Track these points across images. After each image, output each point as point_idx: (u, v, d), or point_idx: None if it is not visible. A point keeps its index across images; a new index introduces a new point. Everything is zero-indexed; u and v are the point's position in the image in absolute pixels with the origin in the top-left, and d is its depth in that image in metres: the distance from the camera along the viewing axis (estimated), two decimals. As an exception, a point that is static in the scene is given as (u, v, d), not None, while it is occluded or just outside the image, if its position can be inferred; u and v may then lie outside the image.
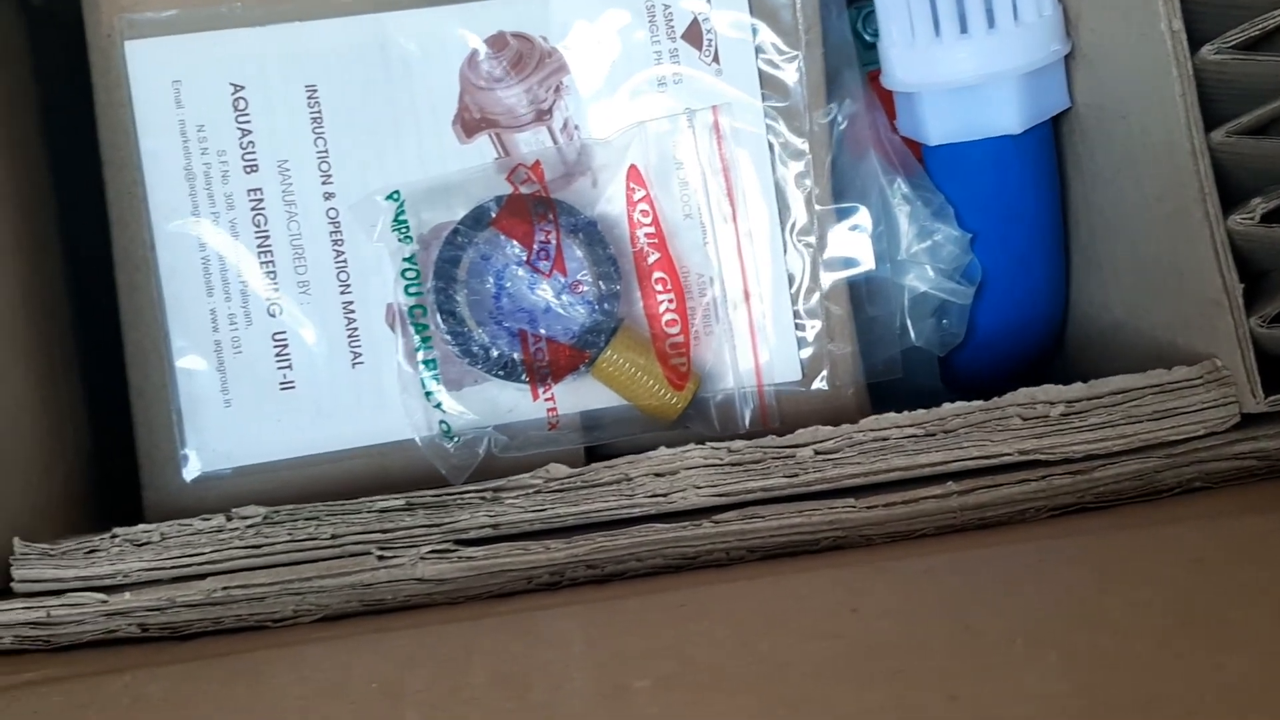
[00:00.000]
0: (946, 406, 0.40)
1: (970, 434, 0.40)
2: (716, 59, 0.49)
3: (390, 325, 0.48)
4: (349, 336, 0.48)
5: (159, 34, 0.47)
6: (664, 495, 0.40)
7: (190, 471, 0.47)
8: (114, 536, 0.39)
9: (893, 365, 0.51)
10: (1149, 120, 0.43)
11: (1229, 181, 0.41)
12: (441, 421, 0.47)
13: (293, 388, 0.48)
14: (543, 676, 0.29)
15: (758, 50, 0.49)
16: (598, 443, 0.49)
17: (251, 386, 0.48)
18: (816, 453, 0.40)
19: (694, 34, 0.49)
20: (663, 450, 0.40)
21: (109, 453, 0.49)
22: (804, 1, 0.49)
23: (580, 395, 0.49)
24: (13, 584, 0.39)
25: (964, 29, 0.46)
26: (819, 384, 0.50)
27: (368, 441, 0.48)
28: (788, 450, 0.40)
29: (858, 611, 0.32)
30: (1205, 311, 0.41)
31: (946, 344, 0.51)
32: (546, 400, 0.48)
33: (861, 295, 0.51)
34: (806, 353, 0.49)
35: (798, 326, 0.49)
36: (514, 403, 0.48)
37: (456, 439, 0.47)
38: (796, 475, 0.40)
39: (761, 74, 0.49)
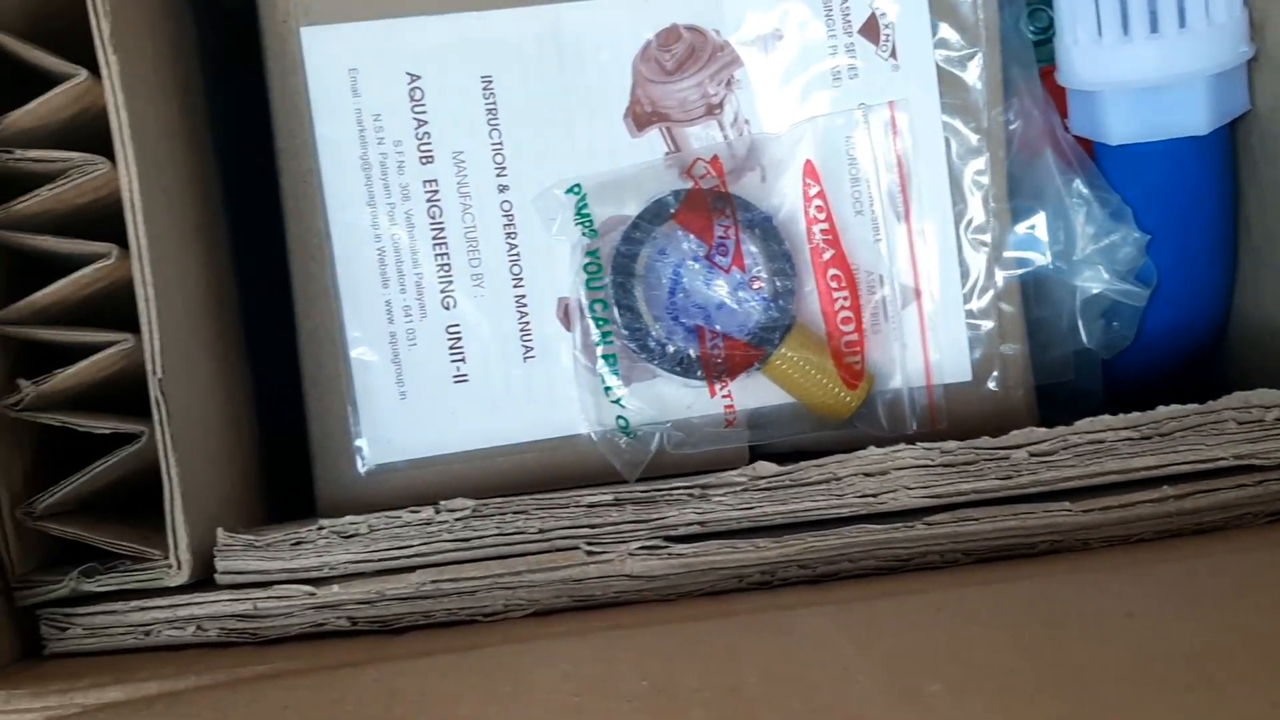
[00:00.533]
0: (1161, 410, 0.40)
1: (1185, 437, 0.40)
2: (894, 54, 0.48)
3: (561, 320, 0.48)
4: (521, 330, 0.48)
5: (336, 20, 0.47)
6: (874, 496, 0.39)
7: (365, 463, 0.47)
8: (320, 528, 0.39)
9: (1064, 367, 0.51)
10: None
11: None
12: (619, 417, 0.47)
13: (466, 381, 0.47)
14: (822, 677, 0.29)
15: (936, 46, 0.48)
16: (767, 440, 0.49)
17: (426, 379, 0.47)
18: (1031, 455, 0.39)
19: (871, 28, 0.48)
20: (872, 450, 0.40)
21: (273, 444, 0.49)
22: (985, -2, 0.48)
23: (749, 393, 0.48)
24: (216, 576, 0.39)
25: (1154, 28, 0.46)
26: (990, 385, 0.49)
27: (539, 436, 0.48)
28: (1002, 452, 0.39)
29: (1134, 616, 0.31)
30: None
31: (1115, 346, 0.51)
32: (724, 397, 0.47)
33: (1029, 296, 0.50)
34: (978, 353, 0.49)
35: (969, 326, 0.49)
36: (691, 399, 0.47)
37: (633, 434, 0.47)
38: (1010, 478, 0.39)
39: (939, 70, 0.48)
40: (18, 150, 0.38)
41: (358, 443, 0.47)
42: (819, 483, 0.39)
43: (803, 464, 0.40)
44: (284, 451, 0.49)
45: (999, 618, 0.32)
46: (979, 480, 0.39)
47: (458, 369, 0.47)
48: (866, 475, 0.40)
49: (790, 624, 0.32)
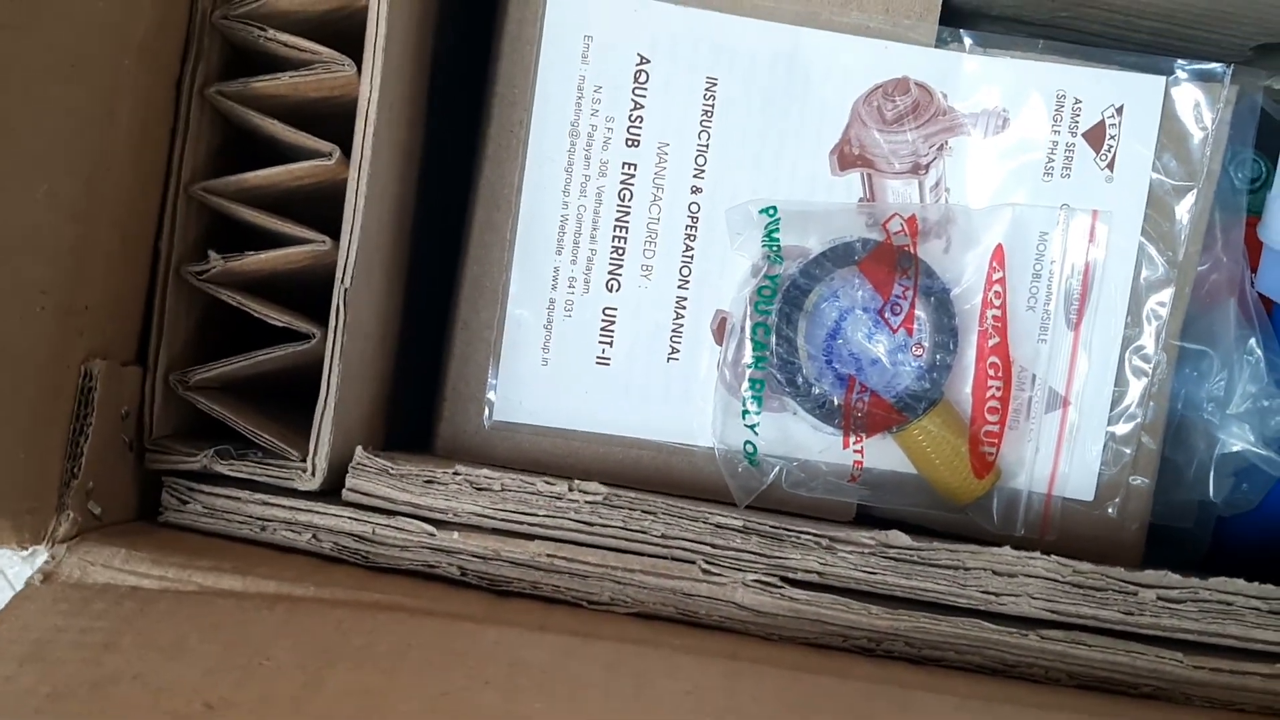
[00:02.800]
0: (1296, 589, 0.40)
1: (1315, 623, 0.39)
2: (1111, 165, 0.48)
3: (715, 334, 0.48)
4: (673, 331, 0.48)
5: (585, -16, 0.47)
6: (996, 595, 0.39)
7: (491, 417, 0.47)
8: (455, 473, 0.39)
9: (1185, 513, 0.50)
10: None
11: None
12: (748, 442, 0.47)
13: (608, 365, 0.48)
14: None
15: (1155, 169, 0.48)
16: (880, 504, 0.49)
17: (571, 352, 0.47)
18: (1159, 598, 0.39)
19: (1096, 135, 0.48)
20: (1007, 550, 0.40)
21: (402, 381, 0.49)
22: (1215, 136, 0.48)
23: (879, 452, 0.48)
24: (344, 491, 0.39)
25: (1377, 212, 0.45)
26: (1109, 510, 0.49)
27: (662, 437, 0.48)
28: (1131, 587, 0.39)
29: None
30: None
31: (1237, 507, 0.51)
32: (855, 451, 0.47)
33: (1169, 435, 0.50)
34: (1106, 476, 0.49)
35: (1106, 448, 0.49)
36: (824, 445, 0.47)
37: (755, 461, 0.47)
38: (1133, 614, 0.39)
39: (1151, 194, 0.48)
40: (271, 30, 0.38)
41: (490, 395, 0.47)
42: (946, 567, 0.39)
43: (935, 544, 0.40)
44: (405, 386, 0.49)
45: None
46: (1101, 608, 0.39)
47: (603, 351, 0.47)
48: (995, 573, 0.39)
49: (909, 702, 0.32)
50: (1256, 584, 0.40)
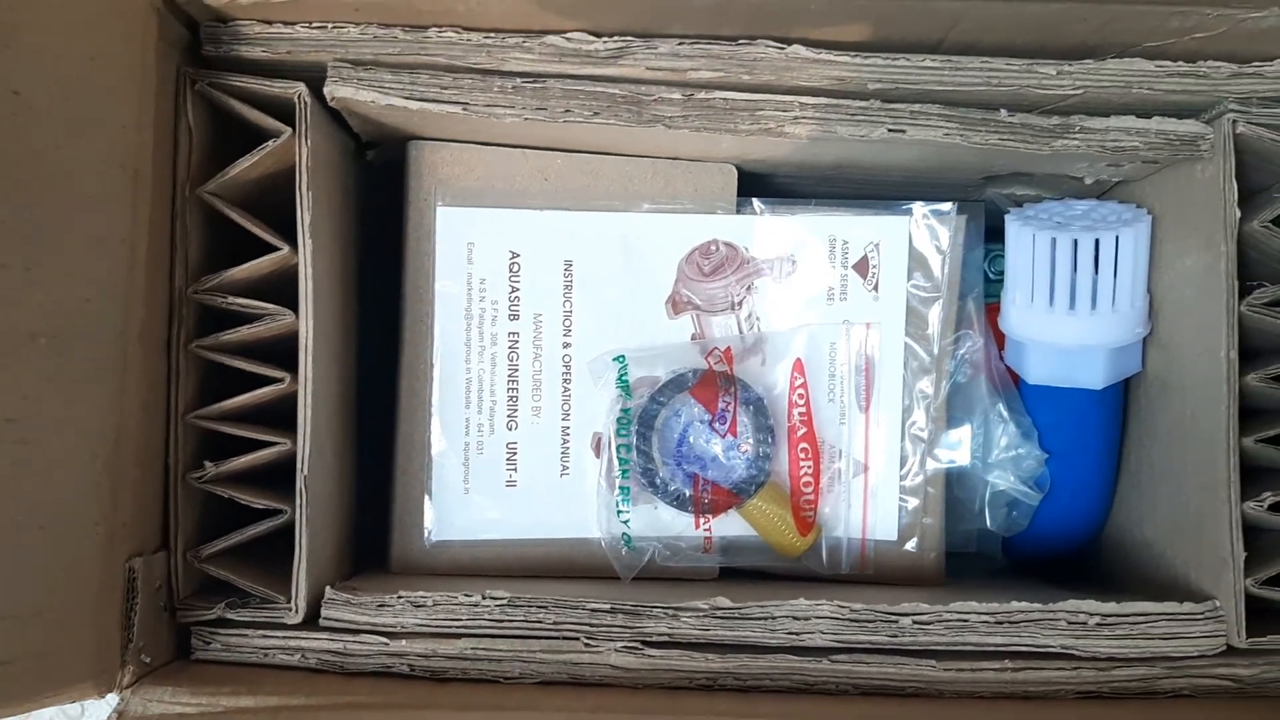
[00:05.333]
0: (1014, 605, 0.55)
1: (1028, 627, 0.55)
2: (876, 288, 0.64)
3: (593, 450, 0.64)
4: (562, 453, 0.64)
5: (463, 205, 0.63)
6: (797, 634, 0.55)
7: (431, 538, 0.63)
8: (399, 596, 0.55)
9: (968, 539, 0.66)
10: (1199, 409, 0.58)
11: (1246, 468, 0.56)
12: (624, 533, 0.63)
13: (515, 486, 0.63)
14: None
15: (909, 287, 0.64)
16: (734, 564, 0.65)
17: (487, 480, 0.63)
18: (914, 622, 0.55)
19: (862, 266, 0.64)
20: (802, 601, 0.55)
21: (359, 515, 0.65)
22: (950, 257, 0.64)
23: (725, 525, 0.64)
24: (321, 619, 0.55)
25: (1072, 307, 0.61)
26: (909, 546, 0.65)
27: (564, 535, 0.64)
28: (893, 617, 0.55)
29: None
30: (1215, 564, 0.56)
31: (1012, 530, 0.66)
32: (705, 529, 0.63)
33: (952, 481, 0.66)
34: (904, 520, 0.65)
35: (901, 499, 0.65)
36: (681, 527, 0.63)
37: (632, 545, 0.63)
38: (896, 636, 0.55)
39: (908, 305, 0.64)
40: (229, 296, 0.54)
41: (427, 522, 0.63)
42: (760, 619, 0.55)
43: (749, 603, 0.55)
44: (367, 516, 0.65)
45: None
46: (874, 634, 0.55)
47: (510, 475, 0.63)
48: (795, 618, 0.55)
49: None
50: (985, 604, 0.55)
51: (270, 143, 0.53)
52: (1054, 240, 0.60)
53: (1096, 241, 0.60)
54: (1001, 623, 0.54)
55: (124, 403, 0.48)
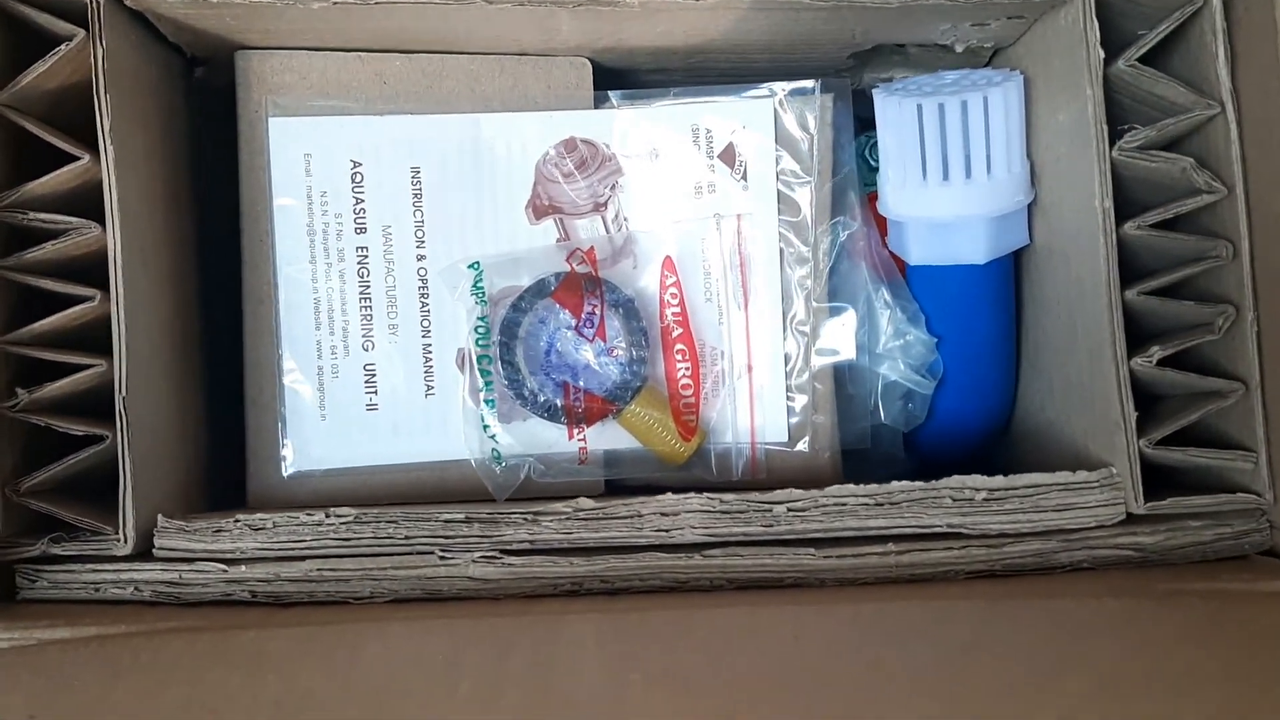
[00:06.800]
0: (894, 484, 0.52)
1: (911, 507, 0.52)
2: (745, 177, 0.60)
3: (459, 366, 0.60)
4: (425, 372, 0.60)
5: (297, 114, 0.59)
6: (666, 531, 0.51)
7: (288, 469, 0.59)
8: (236, 520, 0.51)
9: (863, 436, 0.63)
10: (1083, 271, 0.55)
11: (1138, 327, 0.53)
12: (494, 449, 0.59)
13: (376, 409, 0.60)
14: (567, 664, 0.41)
15: (778, 174, 0.60)
16: (616, 477, 0.61)
17: (344, 405, 0.59)
18: (789, 510, 0.51)
19: (728, 155, 0.60)
20: (669, 495, 0.52)
21: (215, 450, 0.61)
22: (819, 138, 0.60)
23: (606, 438, 0.61)
24: (154, 550, 0.51)
25: (945, 177, 0.58)
26: (801, 446, 0.61)
27: (432, 458, 0.60)
28: (766, 505, 0.51)
29: (799, 639, 0.43)
30: (1108, 429, 0.53)
31: (910, 423, 0.63)
32: (580, 440, 0.60)
33: (844, 377, 0.63)
34: (794, 420, 0.61)
35: (789, 398, 0.61)
36: (554, 439, 0.60)
37: (504, 463, 0.59)
38: (772, 526, 0.51)
39: (780, 193, 0.60)
40: (30, 213, 0.50)
41: (284, 452, 0.59)
42: (625, 517, 0.52)
43: (613, 501, 0.52)
44: (226, 458, 0.61)
45: (708, 634, 0.44)
46: (747, 526, 0.51)
47: (370, 399, 0.60)
48: (663, 514, 0.52)
49: (560, 626, 0.44)
50: (862, 485, 0.52)
51: (63, 46, 0.49)
52: (919, 107, 0.57)
53: (964, 105, 0.56)
54: (882, 504, 0.51)
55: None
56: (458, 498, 0.59)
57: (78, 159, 0.50)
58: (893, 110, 0.58)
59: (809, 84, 0.60)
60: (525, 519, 0.51)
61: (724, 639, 0.43)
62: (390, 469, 0.59)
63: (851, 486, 0.51)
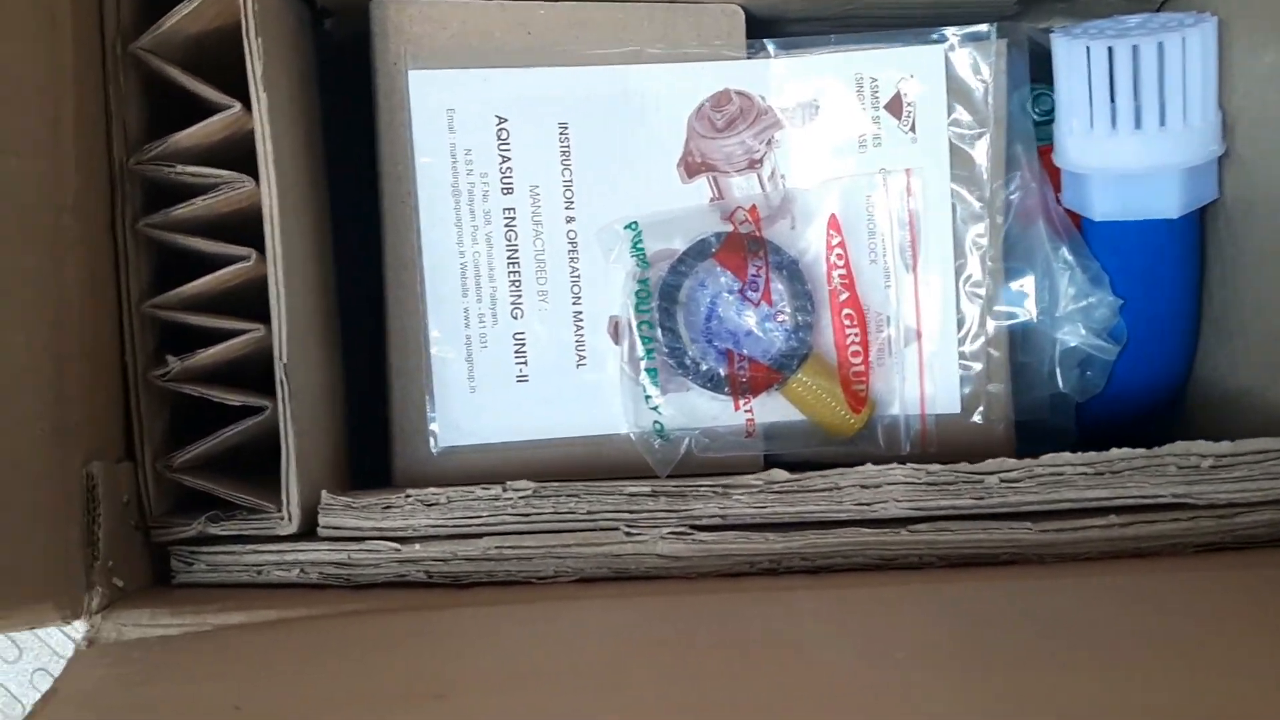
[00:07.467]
0: (1114, 451, 0.48)
1: (1133, 476, 0.48)
2: (913, 129, 0.56)
3: (611, 335, 0.56)
4: (577, 341, 0.56)
5: (439, 66, 0.55)
6: (867, 504, 0.47)
7: (437, 445, 0.55)
8: (407, 496, 0.47)
9: (1040, 406, 0.59)
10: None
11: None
12: (656, 422, 0.55)
13: (527, 381, 0.56)
14: (810, 641, 0.37)
15: (950, 125, 0.56)
16: (779, 451, 0.57)
17: (493, 376, 0.55)
18: (1002, 481, 0.47)
19: (895, 105, 0.56)
20: (869, 466, 0.48)
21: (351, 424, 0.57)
22: (995, 86, 0.56)
23: (767, 409, 0.57)
24: (318, 529, 0.47)
25: (1138, 125, 0.54)
26: (975, 418, 0.57)
27: (585, 432, 0.56)
28: (977, 476, 0.47)
29: (1030, 614, 0.39)
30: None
31: (1086, 392, 0.59)
32: (746, 412, 0.56)
33: (1016, 343, 0.59)
34: (967, 389, 0.57)
35: (961, 366, 0.57)
36: (718, 411, 0.56)
37: (665, 437, 0.55)
38: (982, 498, 0.47)
39: (951, 145, 0.56)
40: (178, 165, 0.46)
41: (432, 427, 0.55)
42: (823, 490, 0.47)
43: (810, 474, 0.48)
44: (360, 432, 0.57)
45: (956, 610, 0.40)
46: (956, 498, 0.47)
47: (520, 370, 0.56)
48: (863, 487, 0.48)
49: (790, 600, 0.40)
50: (1080, 453, 0.48)
51: (208, -13, 0.45)
52: (1110, 50, 0.53)
53: (1160, 47, 0.52)
54: (1102, 474, 0.47)
55: (61, 280, 0.40)
56: (612, 474, 0.55)
57: (226, 108, 0.46)
58: (1078, 55, 0.54)
59: (984, 28, 0.56)
60: (715, 492, 0.47)
61: (964, 615, 0.39)
62: (541, 444, 0.55)
63: (1068, 455, 0.47)
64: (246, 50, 0.46)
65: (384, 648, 0.38)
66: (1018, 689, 0.35)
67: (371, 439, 0.56)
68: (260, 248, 0.46)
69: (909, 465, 0.47)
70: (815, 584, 0.43)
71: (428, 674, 0.36)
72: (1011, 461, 0.47)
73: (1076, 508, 0.47)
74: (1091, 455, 0.47)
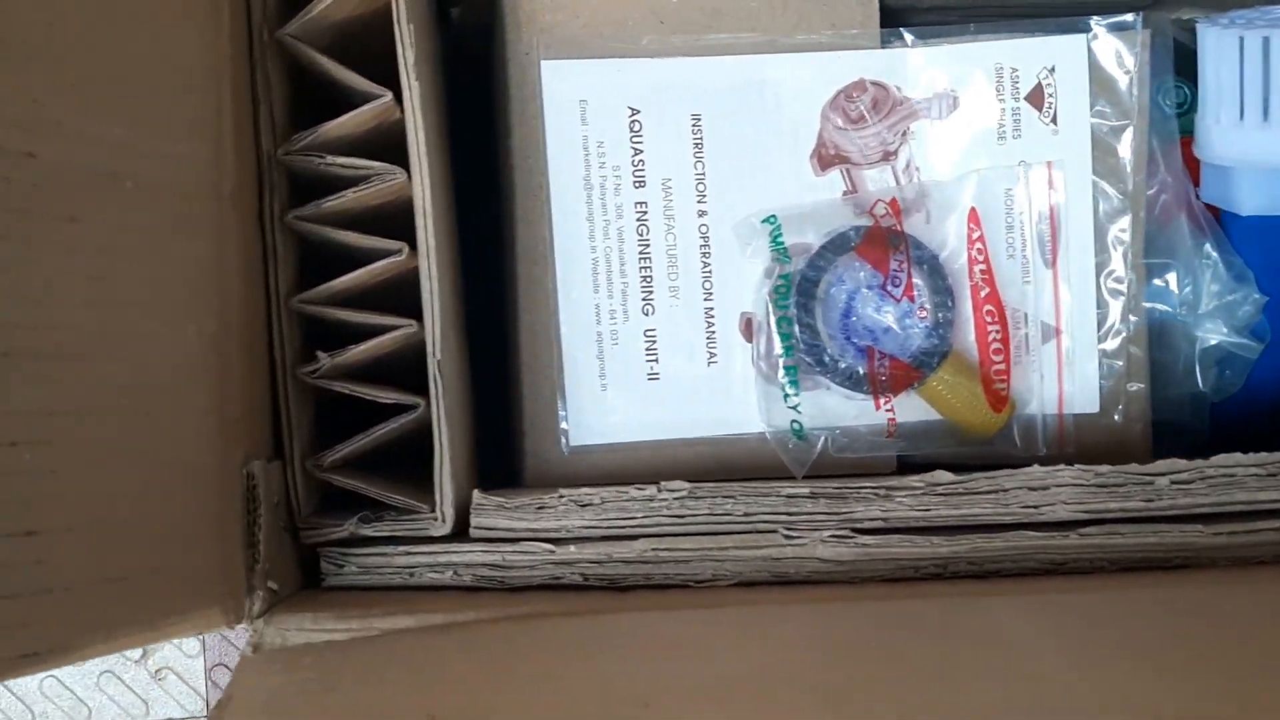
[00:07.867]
0: (1288, 451, 0.46)
1: (1307, 477, 0.46)
2: (1055, 120, 0.55)
3: (742, 332, 0.54)
4: (708, 338, 0.54)
5: (571, 56, 0.53)
6: (1035, 507, 0.46)
7: (568, 444, 0.53)
8: (561, 496, 0.45)
9: (1178, 406, 0.57)
10: None
11: None
12: (794, 421, 0.53)
13: (658, 379, 0.54)
14: (1018, 647, 0.36)
15: (1093, 116, 0.55)
16: (916, 452, 0.55)
17: (625, 374, 0.54)
18: (1173, 482, 0.46)
19: (1036, 96, 0.55)
20: (1036, 468, 0.46)
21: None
22: (1139, 77, 0.55)
23: (905, 408, 0.55)
24: (471, 530, 0.45)
25: (1292, 117, 0.52)
26: (1115, 417, 0.56)
27: (716, 432, 0.54)
28: (1147, 478, 0.46)
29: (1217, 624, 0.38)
30: None
31: (1224, 392, 0.57)
32: (887, 411, 0.54)
33: (1153, 340, 0.57)
34: (1106, 388, 0.55)
35: (1101, 364, 0.55)
36: (858, 410, 0.54)
37: (803, 436, 0.53)
38: (1153, 500, 0.46)
39: (1094, 137, 0.55)
40: (328, 156, 0.45)
41: (563, 425, 0.54)
42: (988, 492, 0.46)
43: (974, 475, 0.46)
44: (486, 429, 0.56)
45: (1147, 614, 0.39)
46: (1126, 501, 0.46)
47: (651, 368, 0.54)
48: (1030, 489, 0.46)
49: (984, 606, 0.39)
50: (1252, 454, 0.46)
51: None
52: (1266, 40, 0.51)
53: (1319, 35, 0.50)
54: (1275, 475, 0.46)
55: (224, 272, 0.39)
56: (741, 475, 0.54)
57: (375, 97, 0.44)
58: (1229, 45, 0.52)
59: (1129, 18, 0.54)
60: (877, 494, 0.46)
61: (1160, 619, 0.38)
62: (671, 444, 0.54)
63: (1239, 455, 0.46)
64: (398, 37, 0.44)
65: (565, 653, 0.36)
66: (1240, 693, 0.33)
67: (496, 436, 0.55)
68: (403, 240, 0.44)
69: (1076, 466, 0.46)
70: (998, 589, 0.41)
71: (621, 681, 0.34)
72: (1182, 463, 0.46)
73: (1249, 510, 0.46)
74: (1263, 456, 0.46)
